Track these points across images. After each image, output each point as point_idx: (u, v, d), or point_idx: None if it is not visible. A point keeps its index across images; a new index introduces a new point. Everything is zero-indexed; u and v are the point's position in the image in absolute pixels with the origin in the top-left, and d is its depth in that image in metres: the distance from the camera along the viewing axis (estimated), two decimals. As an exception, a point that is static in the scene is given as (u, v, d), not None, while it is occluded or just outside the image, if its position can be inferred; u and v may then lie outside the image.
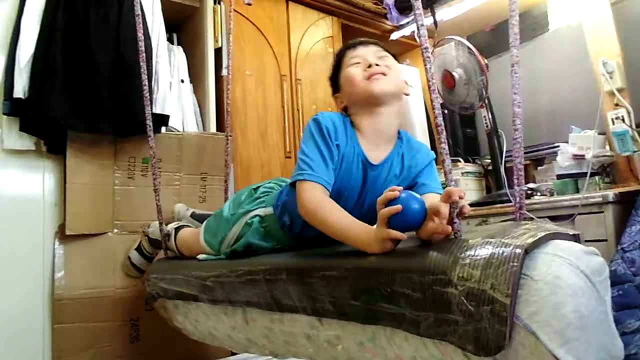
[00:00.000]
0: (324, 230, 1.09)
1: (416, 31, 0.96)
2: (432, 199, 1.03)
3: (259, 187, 1.52)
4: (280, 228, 1.34)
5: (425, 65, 0.95)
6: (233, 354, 2.11)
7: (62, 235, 1.90)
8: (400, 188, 0.93)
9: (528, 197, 2.30)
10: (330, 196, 1.15)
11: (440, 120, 0.93)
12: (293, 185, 1.19)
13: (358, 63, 1.28)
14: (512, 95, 0.92)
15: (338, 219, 1.07)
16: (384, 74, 1.24)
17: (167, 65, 2.16)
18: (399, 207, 0.89)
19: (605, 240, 1.95)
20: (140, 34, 1.66)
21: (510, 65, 0.93)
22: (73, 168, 1.90)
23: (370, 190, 1.23)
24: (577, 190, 2.22)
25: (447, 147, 0.92)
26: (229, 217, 1.47)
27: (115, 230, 1.99)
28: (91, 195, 1.93)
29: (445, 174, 0.92)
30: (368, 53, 1.29)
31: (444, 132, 0.93)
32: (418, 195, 0.93)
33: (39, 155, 1.94)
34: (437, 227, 0.88)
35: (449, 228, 0.89)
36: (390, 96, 1.26)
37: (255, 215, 1.40)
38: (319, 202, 1.11)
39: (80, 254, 1.91)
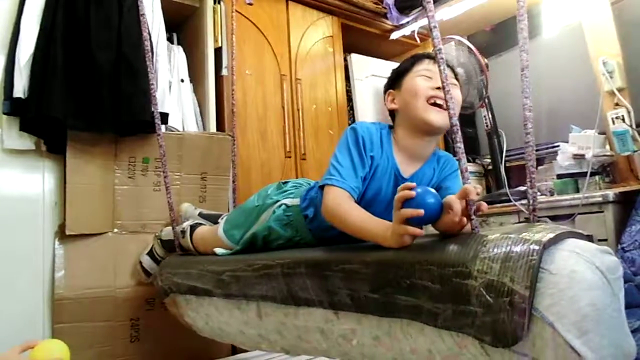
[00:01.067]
0: (343, 229, 1.12)
1: (430, 33, 0.97)
2: None
3: (287, 182, 1.55)
4: (302, 219, 1.36)
5: (439, 66, 0.96)
6: (234, 353, 2.10)
7: (62, 235, 1.88)
8: (414, 185, 0.94)
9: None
10: (360, 205, 1.17)
11: (455, 120, 0.94)
12: (322, 187, 1.22)
13: (429, 78, 1.25)
14: (522, 100, 0.92)
15: (356, 216, 1.10)
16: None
17: (167, 64, 2.16)
18: (420, 211, 0.90)
19: (606, 239, 1.96)
20: (145, 34, 1.66)
21: (520, 69, 0.93)
22: (73, 168, 1.88)
23: None
24: (577, 190, 2.24)
25: (462, 147, 0.94)
26: (254, 207, 1.49)
27: (116, 230, 1.97)
28: (91, 195, 1.92)
29: (461, 172, 0.93)
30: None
31: (459, 132, 0.94)
32: (433, 190, 0.95)
33: (39, 155, 1.93)
34: (452, 221, 0.90)
35: (464, 220, 0.91)
36: (444, 129, 1.26)
37: (282, 204, 1.42)
38: (340, 203, 1.15)
39: (80, 254, 1.89)
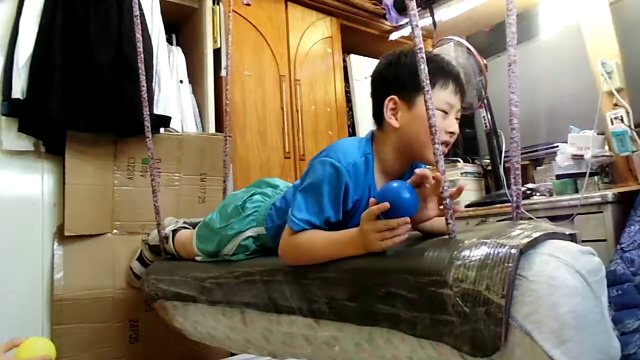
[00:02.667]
0: (313, 262, 1.05)
1: (411, 31, 0.96)
2: None
3: (244, 201, 1.45)
4: (275, 245, 1.25)
5: (419, 65, 0.93)
6: (232, 354, 2.10)
7: (61, 236, 1.89)
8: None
9: (527, 197, 2.30)
10: None
11: (434, 120, 0.92)
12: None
13: (446, 114, 1.12)
14: (509, 95, 0.92)
15: (322, 242, 1.04)
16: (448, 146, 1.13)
17: (168, 66, 2.16)
18: (386, 204, 0.89)
19: (605, 240, 1.95)
20: (139, 35, 1.66)
21: (507, 64, 0.93)
22: (72, 169, 1.89)
23: None
24: (576, 191, 2.22)
25: (440, 148, 0.92)
26: (218, 231, 1.44)
27: (115, 231, 1.98)
28: (90, 196, 1.93)
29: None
30: (457, 113, 1.16)
31: (437, 133, 0.92)
32: (408, 184, 0.94)
33: (38, 156, 1.93)
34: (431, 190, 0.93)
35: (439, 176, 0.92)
36: None
37: (248, 237, 1.37)
38: (301, 245, 1.07)
39: (79, 255, 1.90)
